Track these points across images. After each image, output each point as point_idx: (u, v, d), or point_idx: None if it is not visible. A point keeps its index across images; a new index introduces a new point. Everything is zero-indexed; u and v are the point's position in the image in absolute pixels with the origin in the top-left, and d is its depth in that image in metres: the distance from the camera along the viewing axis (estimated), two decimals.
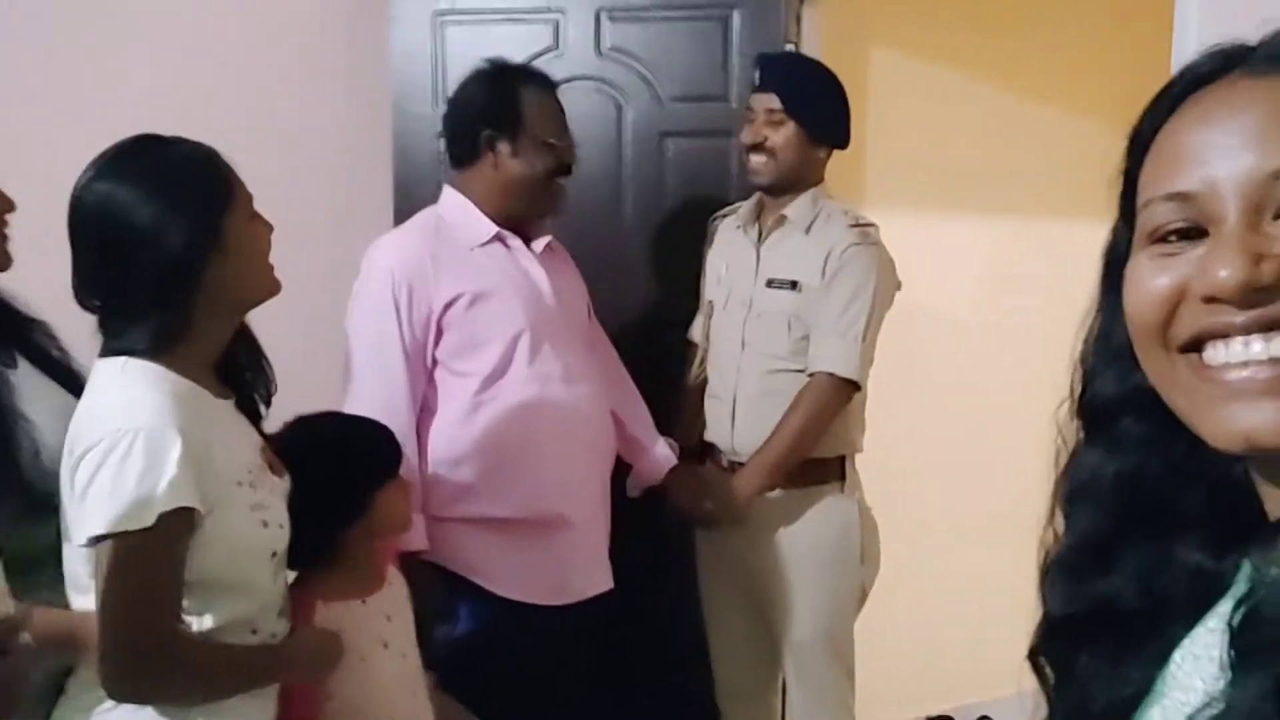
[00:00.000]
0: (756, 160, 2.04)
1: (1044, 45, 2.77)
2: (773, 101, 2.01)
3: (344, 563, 1.54)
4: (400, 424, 1.79)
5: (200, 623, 1.25)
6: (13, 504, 1.22)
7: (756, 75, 2.04)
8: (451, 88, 2.38)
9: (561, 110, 1.97)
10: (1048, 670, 0.67)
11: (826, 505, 2.06)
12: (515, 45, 2.36)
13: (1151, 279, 0.56)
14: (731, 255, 2.14)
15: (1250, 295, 0.52)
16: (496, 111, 1.92)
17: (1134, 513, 0.62)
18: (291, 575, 1.49)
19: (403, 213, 2.41)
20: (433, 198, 2.28)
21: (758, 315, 2.06)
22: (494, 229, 1.93)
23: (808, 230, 2.05)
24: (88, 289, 1.25)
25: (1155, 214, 0.56)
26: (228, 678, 1.27)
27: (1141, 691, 0.60)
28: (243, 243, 1.28)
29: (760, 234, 2.11)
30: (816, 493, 2.05)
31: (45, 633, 1.20)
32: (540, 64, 2.35)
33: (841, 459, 2.09)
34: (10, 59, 2.27)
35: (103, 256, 1.24)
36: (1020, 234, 2.87)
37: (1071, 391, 0.66)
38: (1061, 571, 0.65)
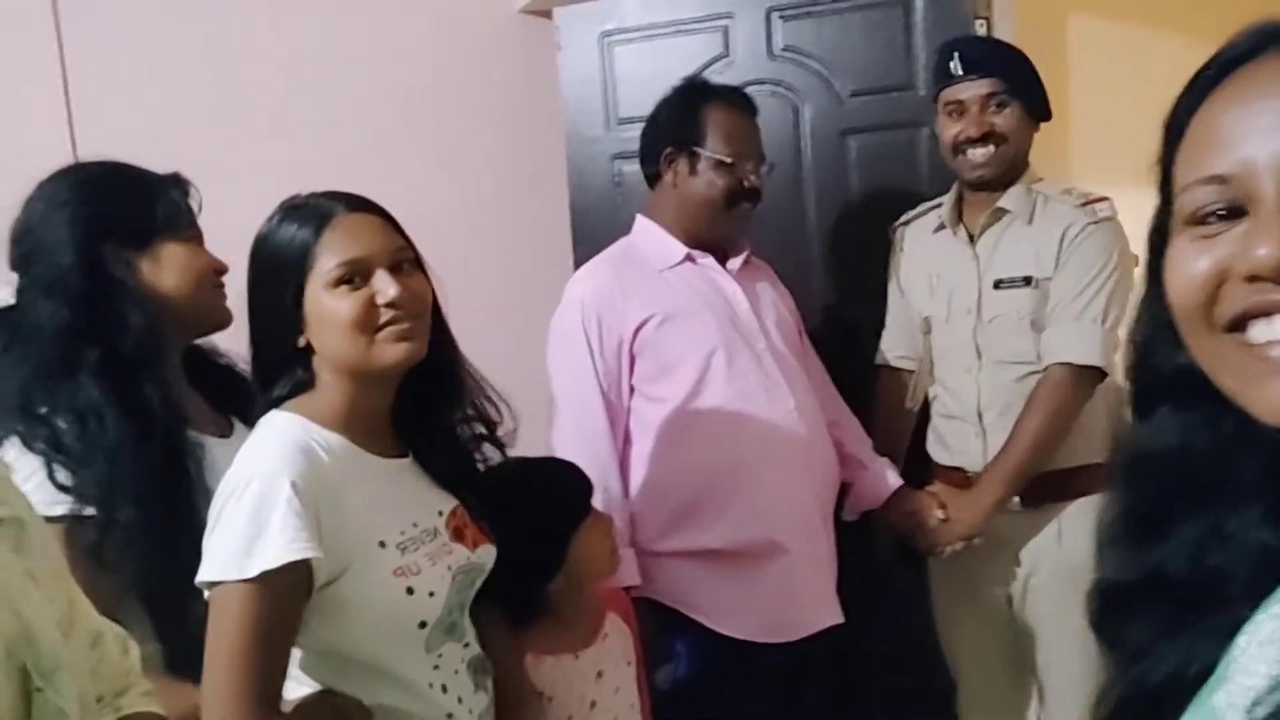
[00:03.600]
0: (981, 153, 1.85)
1: None
2: (991, 86, 1.83)
3: (553, 615, 1.48)
4: (602, 459, 1.75)
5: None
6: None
7: (955, 64, 1.85)
8: (622, 108, 2.38)
9: (751, 131, 1.87)
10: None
11: (1085, 521, 1.84)
12: (684, 57, 2.31)
13: (1192, 261, 0.57)
14: (942, 261, 1.95)
15: None
16: (676, 128, 1.86)
17: (1182, 487, 0.63)
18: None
19: (579, 237, 2.40)
20: (608, 221, 2.26)
21: (990, 321, 1.87)
22: (683, 250, 1.87)
23: (1030, 220, 1.86)
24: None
25: (1193, 197, 0.57)
26: None
27: (1206, 670, 0.59)
28: (322, 319, 1.21)
29: (972, 233, 1.92)
30: (1075, 507, 1.82)
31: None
32: (711, 72, 2.29)
33: (1099, 465, 1.89)
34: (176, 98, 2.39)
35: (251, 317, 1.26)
36: None
37: (1126, 370, 0.67)
38: (1113, 540, 0.67)
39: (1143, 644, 0.64)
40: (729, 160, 1.82)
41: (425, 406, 1.29)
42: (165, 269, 1.33)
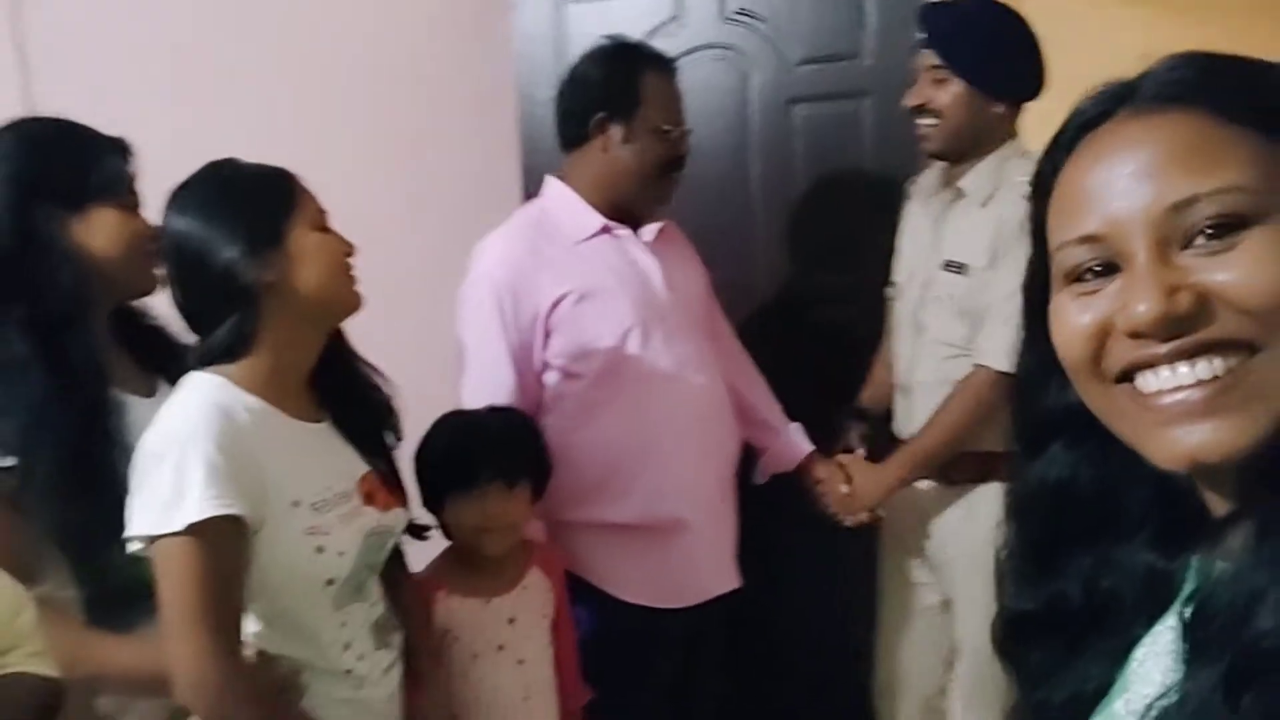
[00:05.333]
0: (923, 124, 1.84)
1: None
2: (932, 58, 1.80)
3: (463, 561, 1.55)
4: None
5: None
6: (118, 537, 1.21)
7: (920, 31, 1.83)
8: None
9: (679, 97, 1.85)
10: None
11: (992, 506, 1.83)
12: (635, 18, 2.31)
13: (1075, 318, 0.59)
14: (913, 232, 1.96)
15: (1169, 326, 0.55)
16: (613, 93, 1.80)
17: (1073, 520, 0.66)
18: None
19: (530, 197, 2.41)
20: None
21: (934, 299, 1.87)
22: (600, 222, 1.82)
23: (985, 203, 1.80)
24: (177, 309, 1.29)
25: (1069, 256, 0.60)
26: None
27: (1104, 687, 0.64)
28: (304, 254, 1.26)
29: (942, 207, 1.89)
30: (986, 490, 1.83)
31: (131, 670, 1.26)
32: (662, 34, 2.30)
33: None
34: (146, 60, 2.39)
35: (174, 278, 1.27)
36: None
37: (1010, 409, 0.70)
38: (1011, 571, 0.70)
39: (1044, 669, 0.68)
40: (667, 129, 1.80)
41: (340, 370, 1.34)
42: (97, 233, 1.34)
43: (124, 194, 1.38)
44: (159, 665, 1.25)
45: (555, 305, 1.77)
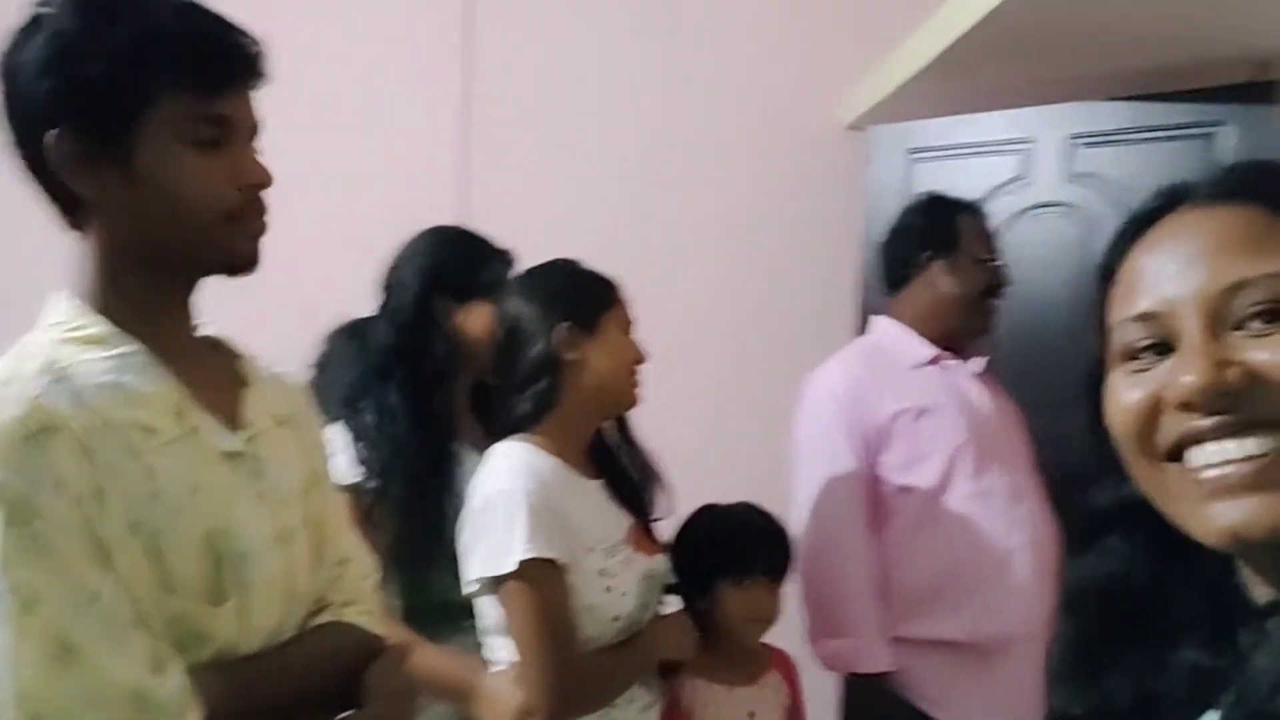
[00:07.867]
0: None
1: None
2: None
3: (714, 647, 1.64)
4: (857, 540, 1.85)
5: None
6: (443, 565, 1.49)
7: None
8: None
9: (991, 233, 2.01)
10: None
11: None
12: (981, 177, 2.40)
13: (1128, 394, 0.62)
14: None
15: (1217, 399, 0.57)
16: (934, 234, 1.98)
17: (1125, 618, 0.67)
18: None
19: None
20: None
21: None
22: (932, 350, 1.95)
23: None
24: (497, 378, 1.56)
25: (1124, 334, 0.63)
26: (619, 679, 1.45)
27: None
28: (606, 347, 1.49)
29: None
30: None
31: (436, 673, 1.47)
32: (1005, 191, 2.37)
33: None
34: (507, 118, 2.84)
35: (502, 345, 1.54)
36: None
37: (1066, 505, 0.70)
38: (1062, 671, 0.70)
39: None
40: (985, 258, 1.96)
41: (611, 441, 1.55)
42: (473, 321, 1.66)
43: (501, 294, 1.70)
44: (455, 674, 1.50)
45: (894, 419, 1.89)
